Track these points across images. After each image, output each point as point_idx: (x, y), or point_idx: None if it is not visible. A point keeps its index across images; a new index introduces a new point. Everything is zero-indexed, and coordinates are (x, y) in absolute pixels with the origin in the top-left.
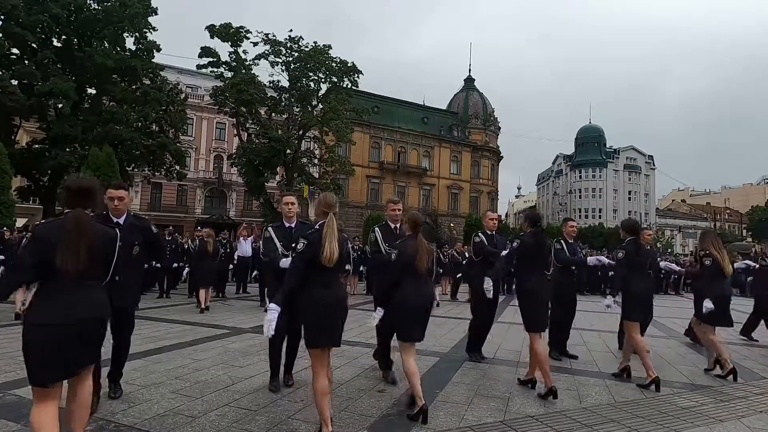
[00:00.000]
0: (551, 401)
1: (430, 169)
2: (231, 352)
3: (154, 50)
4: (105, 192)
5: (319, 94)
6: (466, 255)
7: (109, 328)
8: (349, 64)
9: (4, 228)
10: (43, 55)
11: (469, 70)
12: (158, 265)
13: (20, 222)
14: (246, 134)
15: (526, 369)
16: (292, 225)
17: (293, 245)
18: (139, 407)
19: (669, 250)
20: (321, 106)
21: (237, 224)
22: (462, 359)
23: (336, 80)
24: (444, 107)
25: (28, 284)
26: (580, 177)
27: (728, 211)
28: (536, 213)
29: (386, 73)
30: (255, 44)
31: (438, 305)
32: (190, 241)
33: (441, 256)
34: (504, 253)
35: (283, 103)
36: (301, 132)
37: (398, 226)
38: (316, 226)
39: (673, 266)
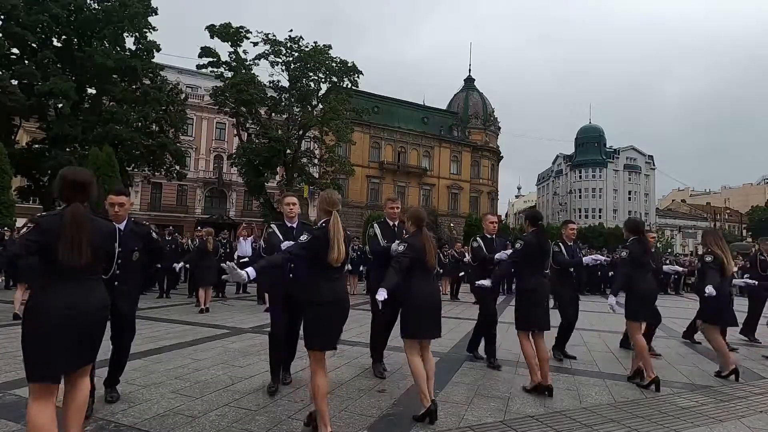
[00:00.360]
0: (551, 401)
1: (430, 169)
2: (231, 352)
3: (154, 50)
4: (105, 198)
5: (319, 94)
6: (467, 255)
7: (108, 333)
8: (349, 64)
9: (5, 228)
10: (43, 55)
11: (469, 70)
12: (158, 264)
13: (20, 222)
14: (246, 134)
15: (527, 369)
16: (294, 225)
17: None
18: (139, 407)
19: (669, 250)
20: (321, 106)
21: (237, 224)
22: (462, 359)
23: (336, 80)
24: (444, 107)
25: (27, 285)
26: (580, 177)
27: (728, 211)
28: (537, 211)
29: (386, 73)
30: (255, 44)
31: None
32: (190, 241)
33: (441, 256)
34: (501, 255)
35: (283, 103)
36: (301, 132)
37: (396, 223)
38: (321, 223)
39: (677, 268)
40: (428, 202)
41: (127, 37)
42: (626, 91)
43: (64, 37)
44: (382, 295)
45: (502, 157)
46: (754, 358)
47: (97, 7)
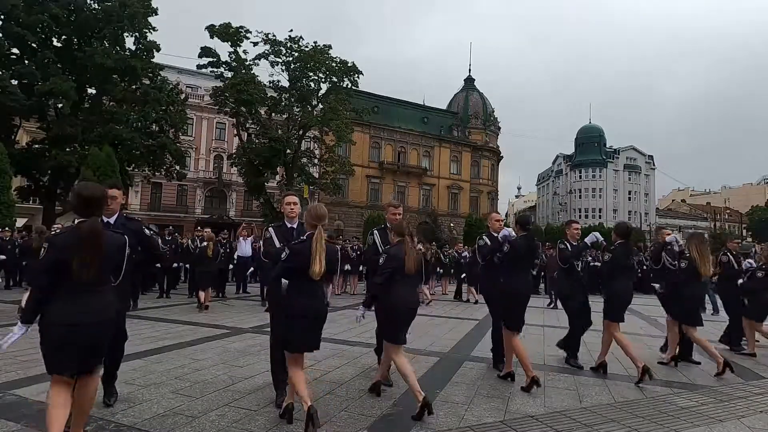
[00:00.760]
0: (551, 401)
1: (430, 169)
2: (231, 352)
3: (154, 50)
4: None
5: (319, 94)
6: (467, 255)
7: None
8: (349, 64)
9: (5, 228)
10: (43, 55)
11: (469, 70)
12: (158, 265)
13: (20, 222)
14: (246, 134)
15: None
16: (294, 225)
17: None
18: (139, 407)
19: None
20: (321, 106)
21: (237, 224)
22: (462, 359)
23: (336, 80)
24: (444, 107)
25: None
26: (580, 177)
27: (728, 211)
28: (527, 216)
29: (386, 73)
30: (255, 44)
31: (427, 304)
32: (190, 241)
33: (441, 256)
34: (506, 232)
35: (283, 103)
36: (301, 132)
37: None
38: (303, 237)
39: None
40: (428, 202)
41: (127, 37)
42: (626, 91)
43: (64, 37)
44: (359, 313)
45: (502, 157)
46: (753, 358)
47: (96, 7)
